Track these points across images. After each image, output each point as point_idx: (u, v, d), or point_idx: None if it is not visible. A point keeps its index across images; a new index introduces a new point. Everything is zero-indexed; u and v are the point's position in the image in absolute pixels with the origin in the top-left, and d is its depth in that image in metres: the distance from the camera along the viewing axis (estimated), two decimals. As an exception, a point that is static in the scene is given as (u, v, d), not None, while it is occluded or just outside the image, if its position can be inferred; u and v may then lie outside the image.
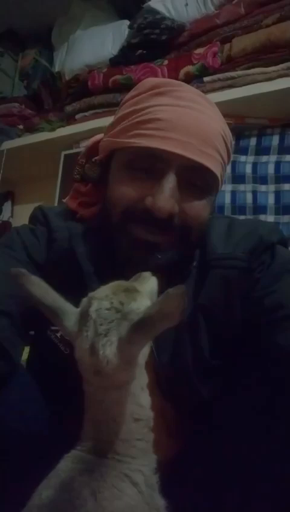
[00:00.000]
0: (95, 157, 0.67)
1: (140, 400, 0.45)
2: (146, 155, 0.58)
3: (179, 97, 0.59)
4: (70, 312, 0.44)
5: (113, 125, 0.64)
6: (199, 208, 0.61)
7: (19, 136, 1.79)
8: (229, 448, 0.55)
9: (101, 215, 0.66)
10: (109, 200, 0.62)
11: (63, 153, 1.64)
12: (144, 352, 0.45)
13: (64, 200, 0.74)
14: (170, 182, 0.57)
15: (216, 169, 0.60)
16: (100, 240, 0.64)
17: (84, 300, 0.44)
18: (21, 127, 1.82)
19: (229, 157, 0.65)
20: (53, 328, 0.64)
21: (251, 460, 0.52)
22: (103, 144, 0.66)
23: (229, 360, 0.62)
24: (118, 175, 0.61)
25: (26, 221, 0.74)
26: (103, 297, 0.42)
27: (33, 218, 0.72)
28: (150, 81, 0.63)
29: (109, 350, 0.39)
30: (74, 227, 0.67)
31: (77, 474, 0.42)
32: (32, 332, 0.71)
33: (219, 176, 0.61)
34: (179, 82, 0.64)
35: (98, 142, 0.68)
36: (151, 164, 0.58)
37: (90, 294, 0.44)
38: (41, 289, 0.43)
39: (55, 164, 1.64)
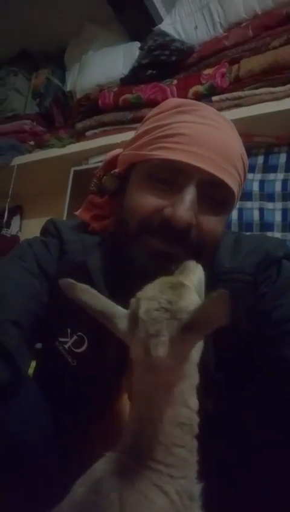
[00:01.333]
0: (114, 170, 0.68)
1: (189, 401, 0.44)
2: (168, 167, 0.59)
3: (201, 116, 0.61)
4: (121, 314, 0.45)
5: (134, 139, 0.66)
6: (215, 223, 0.61)
7: (30, 152, 1.83)
8: (232, 462, 0.54)
9: (116, 227, 0.66)
10: (126, 210, 0.63)
11: (73, 169, 1.67)
12: (197, 350, 0.45)
13: (76, 213, 0.76)
14: (190, 194, 0.57)
15: (234, 186, 0.61)
16: (113, 252, 0.65)
17: (133, 301, 0.44)
18: (32, 143, 1.86)
19: (245, 177, 0.66)
20: (61, 339, 0.64)
21: (253, 474, 0.51)
22: (122, 158, 0.67)
23: (233, 373, 0.61)
24: (137, 186, 0.62)
25: (34, 236, 0.76)
26: (151, 298, 0.42)
27: (45, 230, 0.73)
28: (174, 100, 0.66)
29: (161, 349, 0.39)
30: (87, 240, 0.68)
31: (108, 476, 0.42)
32: (39, 344, 0.71)
33: (235, 194, 0.62)
34: (201, 103, 0.65)
35: (116, 156, 0.70)
36: (172, 176, 0.59)
37: (138, 294, 0.44)
38: (92, 296, 0.45)
39: (65, 180, 1.67)
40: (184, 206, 0.57)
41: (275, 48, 1.24)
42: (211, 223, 0.61)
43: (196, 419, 0.44)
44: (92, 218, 0.72)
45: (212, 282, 0.63)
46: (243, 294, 0.62)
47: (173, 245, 0.59)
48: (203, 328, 0.40)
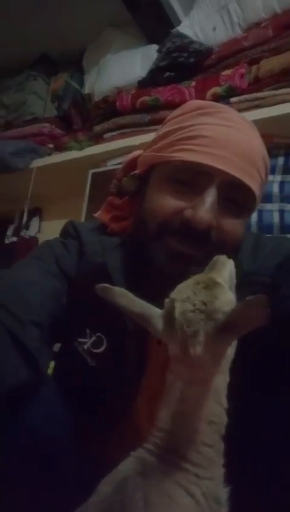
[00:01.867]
0: (134, 171, 0.69)
1: (221, 398, 0.45)
2: (189, 169, 0.59)
3: (224, 118, 0.61)
4: (157, 315, 0.46)
5: (155, 141, 0.66)
6: (236, 225, 0.61)
7: (49, 155, 1.86)
8: (251, 467, 0.53)
9: (135, 228, 0.67)
10: (146, 211, 0.63)
11: (91, 171, 1.68)
12: (232, 347, 0.46)
13: (95, 214, 0.76)
14: (211, 196, 0.57)
15: (256, 189, 0.61)
16: (132, 253, 0.65)
17: (167, 302, 0.45)
18: (51, 146, 1.88)
19: (266, 179, 0.66)
20: (80, 340, 0.64)
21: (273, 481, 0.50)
22: (142, 159, 0.68)
23: (255, 377, 0.60)
24: (157, 187, 0.62)
25: (53, 237, 0.76)
26: (185, 299, 0.43)
27: (64, 232, 0.74)
28: (196, 102, 0.66)
29: (198, 349, 0.40)
30: (107, 241, 0.69)
31: (134, 475, 0.42)
32: (57, 345, 0.72)
33: (257, 196, 0.62)
34: (223, 105, 0.66)
35: (136, 157, 0.70)
36: (193, 178, 0.59)
37: (172, 295, 0.45)
38: (127, 299, 0.47)
39: (83, 182, 1.68)
40: (205, 207, 0.57)
41: (296, 47, 1.22)
42: (232, 224, 0.60)
43: (225, 418, 0.45)
44: (112, 219, 0.73)
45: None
46: None
47: (193, 246, 0.58)
48: (239, 329, 0.41)
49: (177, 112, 0.66)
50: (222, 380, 0.45)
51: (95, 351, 0.64)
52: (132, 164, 0.71)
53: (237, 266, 0.64)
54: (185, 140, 0.60)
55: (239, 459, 0.54)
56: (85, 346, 0.64)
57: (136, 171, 0.68)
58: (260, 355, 0.61)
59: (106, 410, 0.63)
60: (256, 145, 0.62)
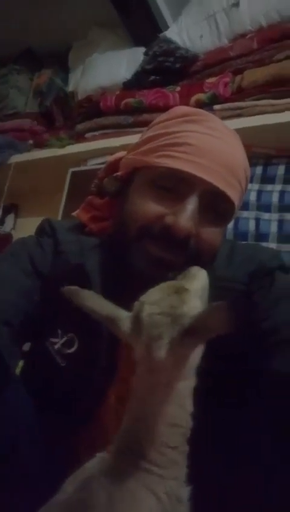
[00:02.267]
0: (117, 173, 0.68)
1: (185, 402, 0.45)
2: (172, 176, 0.59)
3: (209, 127, 0.61)
4: (124, 317, 0.46)
5: (139, 144, 0.66)
6: (214, 234, 0.62)
7: (28, 151, 1.82)
8: (217, 470, 0.53)
9: (115, 230, 0.66)
10: (127, 214, 0.62)
11: (71, 169, 1.67)
12: (197, 353, 0.46)
13: (74, 213, 0.75)
14: (192, 204, 0.58)
15: (236, 199, 0.61)
16: (111, 255, 0.64)
17: (136, 304, 0.45)
18: (31, 142, 1.85)
19: (246, 189, 0.67)
20: (52, 339, 0.63)
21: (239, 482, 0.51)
22: (125, 161, 0.67)
23: (223, 383, 0.61)
24: (140, 191, 0.62)
25: (28, 235, 0.75)
26: (154, 302, 0.44)
27: (40, 229, 0.73)
28: (182, 108, 0.66)
29: (161, 352, 0.41)
30: (85, 241, 0.68)
31: (98, 475, 0.42)
32: (27, 344, 0.70)
33: (236, 206, 0.63)
34: (209, 113, 0.66)
35: (119, 159, 0.70)
36: (175, 185, 0.59)
37: (142, 298, 0.45)
38: (94, 301, 0.47)
39: (62, 180, 1.66)
40: (186, 215, 0.57)
41: (279, 60, 1.25)
42: (211, 233, 0.61)
43: (189, 421, 0.45)
44: (90, 219, 0.72)
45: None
46: None
47: (172, 252, 0.59)
48: (203, 335, 0.42)
49: (163, 116, 0.66)
50: (186, 384, 0.45)
51: (66, 351, 0.63)
52: (115, 165, 0.71)
53: (211, 272, 0.64)
54: (169, 146, 0.60)
55: (204, 460, 0.54)
56: (56, 346, 0.63)
57: (119, 173, 0.68)
58: (230, 362, 0.61)
59: (75, 411, 0.62)
60: (239, 156, 0.63)
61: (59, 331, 0.64)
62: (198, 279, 0.51)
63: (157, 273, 0.58)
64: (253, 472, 0.51)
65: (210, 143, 0.60)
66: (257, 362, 0.57)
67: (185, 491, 0.44)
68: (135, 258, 0.60)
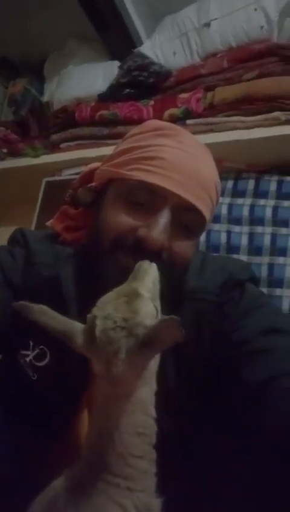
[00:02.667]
0: (91, 184, 0.69)
1: (149, 409, 0.45)
2: (144, 189, 0.60)
3: (181, 142, 0.62)
4: (78, 331, 0.45)
5: (113, 156, 0.67)
6: (186, 247, 0.63)
7: (2, 160, 1.80)
8: (192, 478, 0.54)
9: (89, 240, 0.67)
10: (100, 226, 0.63)
11: (45, 179, 1.66)
12: (155, 359, 0.46)
13: (48, 223, 0.75)
14: (165, 217, 0.59)
15: (207, 213, 0.63)
16: (84, 265, 0.64)
17: (89, 317, 0.45)
18: (5, 150, 1.83)
19: (217, 204, 0.69)
20: (23, 352, 0.63)
21: (214, 490, 0.52)
22: (100, 172, 0.68)
23: (194, 393, 0.62)
24: (113, 203, 0.63)
25: (0, 244, 0.74)
26: (106, 316, 0.43)
27: (12, 239, 0.72)
28: (155, 122, 0.68)
29: (120, 367, 0.41)
30: (59, 251, 0.68)
31: (65, 493, 0.41)
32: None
33: (207, 220, 0.64)
34: (181, 128, 0.67)
35: (94, 169, 0.70)
36: (148, 198, 0.60)
37: (94, 311, 0.45)
38: (47, 316, 0.46)
39: (36, 190, 1.65)
40: (159, 228, 0.58)
41: (248, 80, 1.30)
42: (182, 246, 0.62)
43: (154, 428, 0.45)
44: (64, 229, 0.72)
45: (178, 300, 0.65)
46: (207, 313, 0.63)
47: None
48: (158, 345, 0.42)
49: (136, 130, 0.68)
50: (147, 391, 0.45)
51: (37, 364, 0.62)
52: (89, 176, 0.71)
53: (183, 283, 0.66)
54: (142, 160, 0.61)
55: (173, 468, 0.55)
56: (27, 359, 0.63)
57: (93, 184, 0.69)
58: (200, 372, 0.63)
59: (47, 425, 0.61)
60: (210, 171, 0.64)
61: (31, 343, 0.63)
62: (149, 275, 0.50)
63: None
64: (227, 478, 0.52)
65: (182, 158, 0.61)
66: (228, 372, 0.58)
67: (156, 503, 0.43)
68: (108, 269, 0.60)
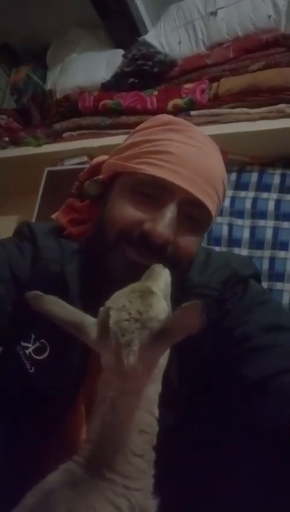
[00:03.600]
0: (98, 176, 0.68)
1: (153, 407, 0.45)
2: (152, 183, 0.60)
3: (190, 137, 0.62)
4: (90, 323, 0.45)
5: (121, 149, 0.66)
6: (192, 242, 0.63)
7: (4, 148, 1.79)
8: (191, 477, 0.54)
9: (94, 234, 0.66)
10: (106, 219, 0.63)
11: (47, 169, 1.65)
12: (164, 356, 0.46)
13: (53, 216, 0.74)
14: (171, 212, 0.59)
15: (213, 209, 0.63)
16: (90, 261, 0.64)
17: (102, 310, 0.45)
18: (6, 139, 1.82)
19: (223, 200, 0.69)
20: (23, 344, 0.62)
21: (214, 489, 0.52)
22: (107, 165, 0.68)
23: (196, 388, 0.62)
24: (120, 196, 0.63)
25: (1, 232, 0.73)
26: (120, 308, 0.43)
27: (19, 233, 0.71)
28: (164, 116, 0.67)
29: (132, 359, 0.40)
30: (66, 246, 0.67)
31: (60, 487, 0.41)
32: None
33: (213, 216, 0.64)
34: (191, 123, 0.67)
35: (101, 162, 0.70)
36: (155, 192, 0.60)
37: (107, 303, 0.45)
38: (60, 307, 0.45)
39: (38, 179, 1.64)
40: (164, 222, 0.58)
41: (253, 71, 1.28)
42: (188, 241, 0.62)
43: (156, 428, 0.45)
44: (69, 222, 0.72)
45: (181, 295, 0.65)
46: (210, 309, 0.63)
47: (149, 258, 0.59)
48: (173, 336, 0.41)
49: (145, 124, 0.67)
50: (154, 389, 0.45)
51: (36, 357, 0.62)
52: (96, 168, 0.71)
53: (186, 278, 0.66)
54: (151, 154, 0.61)
55: (173, 465, 0.55)
56: (27, 351, 0.62)
57: (100, 176, 0.68)
58: (201, 368, 0.62)
59: (42, 420, 0.61)
60: (218, 167, 0.64)
61: (32, 336, 0.63)
62: (161, 278, 0.50)
63: (135, 278, 0.58)
64: (227, 475, 0.52)
65: (190, 153, 0.60)
66: (230, 369, 0.58)
67: (151, 504, 0.43)
68: (112, 263, 0.60)
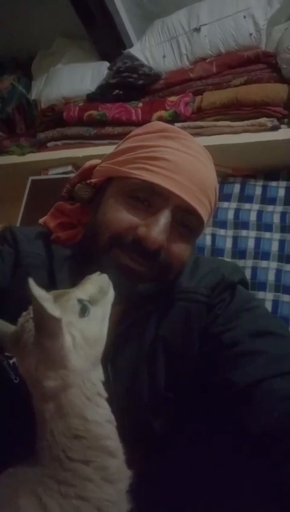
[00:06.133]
0: (90, 180, 0.68)
1: (84, 412, 0.42)
2: (147, 188, 0.60)
3: (186, 145, 0.63)
4: (10, 333, 0.45)
5: (115, 154, 0.66)
6: (184, 249, 0.63)
7: (-13, 156, 1.78)
8: (182, 482, 0.54)
9: (84, 238, 0.66)
10: (99, 222, 0.62)
11: (31, 178, 1.64)
12: (80, 358, 0.43)
13: (40, 221, 0.74)
14: (165, 218, 0.59)
15: (205, 217, 0.63)
16: (81, 267, 0.64)
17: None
18: (-10, 147, 1.80)
19: (215, 209, 0.70)
20: (7, 353, 0.62)
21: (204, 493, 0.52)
22: (100, 169, 0.68)
23: (183, 394, 0.62)
24: (113, 201, 0.62)
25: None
26: (28, 312, 0.44)
27: (1, 238, 0.71)
28: (159, 123, 0.68)
29: (32, 359, 0.41)
30: (56, 253, 0.67)
31: (1, 479, 0.40)
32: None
33: (205, 224, 0.65)
34: (186, 132, 0.67)
35: (93, 166, 0.70)
36: (149, 198, 0.60)
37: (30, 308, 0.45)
38: None
39: (22, 188, 1.63)
40: (159, 228, 0.58)
41: (235, 86, 1.32)
42: (180, 248, 0.62)
43: (96, 431, 0.42)
44: (58, 225, 0.71)
45: (170, 300, 0.65)
46: (198, 314, 0.64)
47: (141, 263, 0.59)
48: (41, 330, 0.41)
49: (140, 130, 0.68)
50: (74, 394, 0.42)
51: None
52: (88, 172, 0.71)
53: (175, 283, 0.66)
54: (146, 159, 0.61)
55: (162, 468, 0.55)
56: (11, 361, 0.62)
57: (92, 180, 0.68)
58: (189, 373, 0.63)
59: (26, 430, 0.60)
60: (211, 176, 0.65)
61: None
62: (93, 283, 0.50)
63: (126, 284, 0.58)
64: (216, 478, 0.52)
65: (185, 161, 0.61)
66: (217, 374, 0.58)
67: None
68: (104, 268, 0.59)
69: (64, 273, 0.64)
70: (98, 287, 0.49)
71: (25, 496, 0.38)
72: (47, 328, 0.40)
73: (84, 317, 0.44)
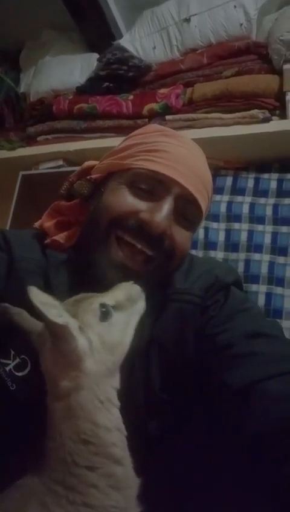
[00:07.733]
0: (90, 176, 0.69)
1: (94, 416, 0.42)
2: (150, 178, 0.62)
3: (181, 141, 0.65)
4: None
5: (115, 152, 0.68)
6: (186, 237, 0.65)
7: (-24, 151, 1.75)
8: (177, 484, 0.54)
9: (82, 233, 0.66)
10: (100, 209, 0.63)
11: (21, 173, 1.62)
12: (95, 362, 0.43)
13: (36, 224, 0.73)
14: (168, 204, 0.60)
15: (204, 208, 0.65)
16: (77, 271, 0.63)
17: None
18: (-21, 142, 1.77)
19: (210, 202, 0.71)
20: (3, 361, 0.60)
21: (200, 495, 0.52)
22: (100, 167, 0.69)
23: (178, 395, 0.62)
24: (115, 189, 0.64)
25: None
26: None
27: None
28: (156, 125, 0.71)
29: (51, 358, 0.42)
30: (52, 258, 0.66)
31: (8, 500, 0.40)
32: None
33: (203, 215, 0.67)
34: (179, 132, 0.70)
35: (92, 166, 0.71)
36: (152, 186, 0.62)
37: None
38: (24, 318, 0.47)
39: (12, 184, 1.61)
40: (162, 213, 0.59)
41: (227, 77, 1.31)
42: (183, 236, 0.64)
43: (105, 438, 0.42)
44: (55, 225, 0.71)
45: (164, 301, 0.65)
46: (193, 315, 0.64)
47: (147, 245, 0.60)
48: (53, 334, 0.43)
49: (138, 131, 0.70)
50: (86, 398, 0.42)
51: (17, 374, 0.60)
52: (87, 172, 0.72)
53: (170, 284, 0.66)
54: (148, 152, 0.63)
55: (160, 470, 0.55)
56: (7, 368, 0.60)
57: (93, 176, 0.69)
58: (184, 375, 0.63)
59: (24, 438, 0.60)
60: (207, 170, 0.67)
61: (12, 352, 0.61)
62: (122, 290, 0.50)
63: (120, 278, 0.58)
64: (212, 480, 0.52)
65: (184, 153, 0.63)
66: (212, 376, 0.58)
67: None
68: (100, 266, 0.60)
69: (60, 278, 0.64)
70: (128, 294, 0.50)
71: (33, 508, 0.38)
72: (57, 332, 0.40)
73: (105, 322, 0.44)
